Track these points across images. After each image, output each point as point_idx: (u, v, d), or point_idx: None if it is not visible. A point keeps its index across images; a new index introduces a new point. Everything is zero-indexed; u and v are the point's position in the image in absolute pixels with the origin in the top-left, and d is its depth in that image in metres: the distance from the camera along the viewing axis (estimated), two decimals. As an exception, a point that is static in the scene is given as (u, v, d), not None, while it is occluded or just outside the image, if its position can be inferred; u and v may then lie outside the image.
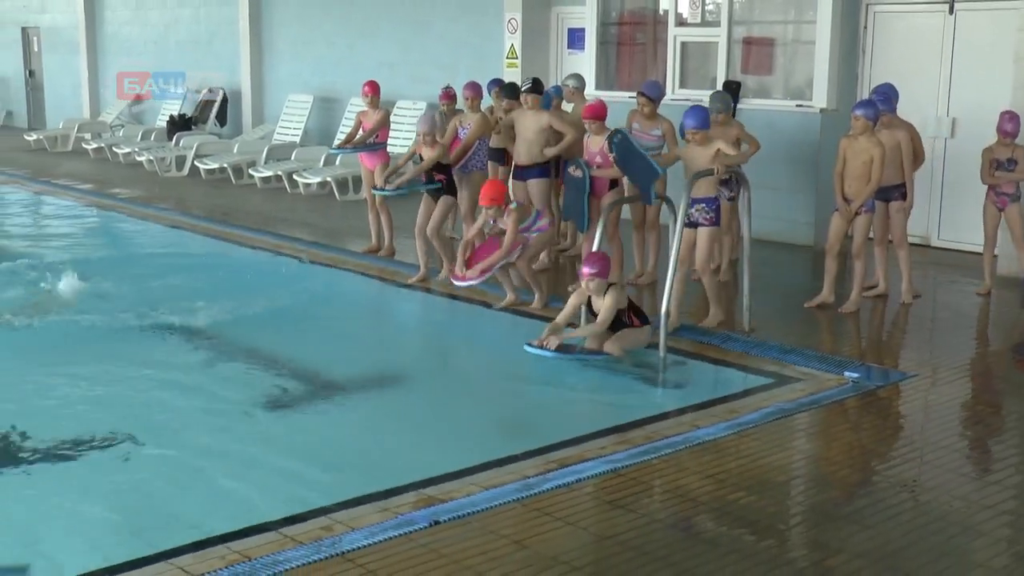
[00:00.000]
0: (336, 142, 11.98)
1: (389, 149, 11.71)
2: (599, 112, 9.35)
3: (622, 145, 8.46)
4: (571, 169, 9.25)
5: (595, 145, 9.23)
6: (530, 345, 7.60)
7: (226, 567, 4.58)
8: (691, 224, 8.26)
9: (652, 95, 9.81)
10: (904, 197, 9.17)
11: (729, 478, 5.66)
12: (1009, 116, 9.37)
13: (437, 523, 5.03)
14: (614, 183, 9.23)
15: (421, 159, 10.20)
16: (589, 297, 7.78)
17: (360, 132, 11.45)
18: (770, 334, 8.35)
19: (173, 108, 20.92)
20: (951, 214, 11.10)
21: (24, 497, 5.71)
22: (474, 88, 10.69)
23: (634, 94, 13.34)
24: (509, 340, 8.65)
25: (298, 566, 4.60)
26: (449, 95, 11.58)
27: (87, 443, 6.33)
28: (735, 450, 6.08)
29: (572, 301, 7.89)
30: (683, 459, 5.92)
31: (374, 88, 11.45)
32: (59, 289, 9.85)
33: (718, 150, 8.14)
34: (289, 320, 9.05)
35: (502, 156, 11.61)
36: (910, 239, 9.60)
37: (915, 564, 4.69)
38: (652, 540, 4.93)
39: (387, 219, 11.21)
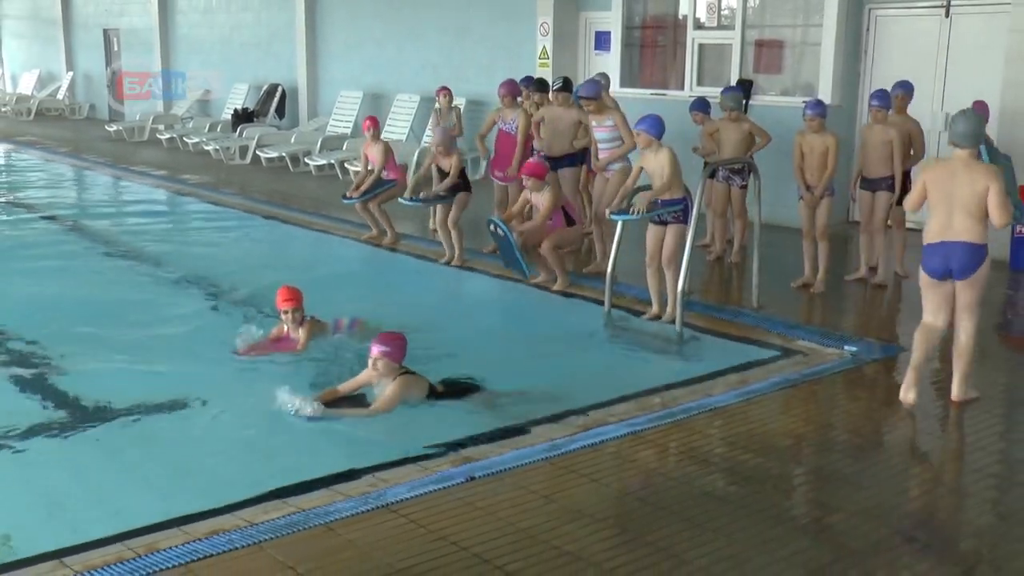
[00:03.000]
0: (350, 190, 11.62)
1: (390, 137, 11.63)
2: (535, 171, 9.13)
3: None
4: (491, 228, 9.23)
5: (535, 200, 9.16)
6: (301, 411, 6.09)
7: (283, 516, 4.63)
8: (661, 222, 8.11)
9: (588, 94, 9.50)
10: (891, 189, 9.02)
11: (738, 441, 5.65)
12: (976, 104, 9.26)
13: (473, 479, 5.06)
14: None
15: (439, 170, 10.21)
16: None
17: (367, 166, 11.27)
18: (777, 311, 8.31)
19: (237, 102, 21.01)
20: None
21: (101, 455, 5.77)
22: (508, 86, 10.56)
23: (656, 92, 13.42)
24: (539, 316, 8.68)
25: (347, 516, 4.64)
26: (445, 91, 11.61)
27: (153, 406, 6.37)
28: (744, 416, 6.06)
29: (360, 379, 6.43)
30: (697, 423, 5.92)
31: (374, 123, 11.30)
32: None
33: (672, 160, 7.97)
34: (346, 294, 9.09)
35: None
36: (907, 225, 9.54)
37: (907, 522, 4.67)
38: (668, 496, 4.93)
39: (382, 213, 11.17)
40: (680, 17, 13.45)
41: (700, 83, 12.97)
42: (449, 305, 9.24)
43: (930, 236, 6.10)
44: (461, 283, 9.87)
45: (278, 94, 20.26)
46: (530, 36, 15.10)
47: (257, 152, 17.83)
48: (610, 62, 13.86)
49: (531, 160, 9.63)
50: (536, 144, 10.64)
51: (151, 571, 4.13)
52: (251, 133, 18.60)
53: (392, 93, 17.73)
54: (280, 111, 20.23)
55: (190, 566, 4.17)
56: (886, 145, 8.87)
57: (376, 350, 6.27)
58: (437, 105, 12.09)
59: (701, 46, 13.10)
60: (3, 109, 28.08)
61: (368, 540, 4.43)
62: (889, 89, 9.30)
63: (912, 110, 9.62)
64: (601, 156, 9.47)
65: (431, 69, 16.76)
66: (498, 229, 9.02)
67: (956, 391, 6.29)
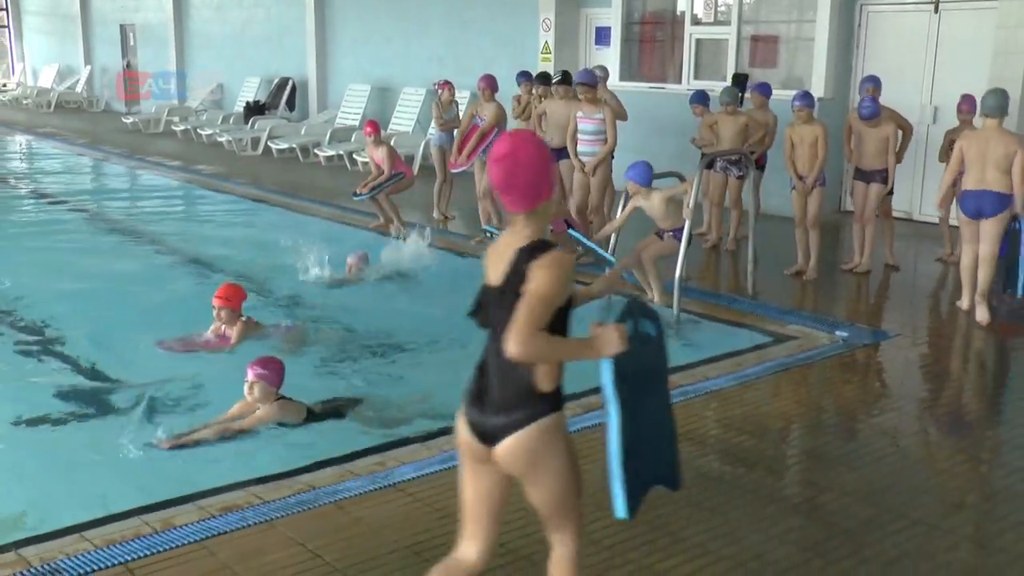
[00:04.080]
0: (360, 186, 11.50)
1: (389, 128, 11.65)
2: None
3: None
4: (488, 236, 9.19)
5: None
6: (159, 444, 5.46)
7: (294, 495, 4.64)
8: (660, 236, 8.06)
9: (588, 81, 9.47)
10: (885, 182, 9.00)
11: (734, 423, 5.65)
12: (964, 97, 9.26)
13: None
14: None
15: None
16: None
17: (375, 168, 11.30)
18: (771, 297, 8.31)
19: (249, 95, 20.98)
20: (932, 191, 10.93)
21: (121, 431, 5.76)
22: (487, 80, 10.57)
23: (655, 85, 13.41)
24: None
25: (356, 495, 4.64)
26: (448, 85, 11.62)
27: (163, 384, 6.34)
28: (739, 399, 6.06)
29: (235, 410, 5.77)
30: (694, 406, 5.92)
31: (374, 127, 11.26)
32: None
33: (664, 198, 7.89)
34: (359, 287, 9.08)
35: None
36: (896, 214, 9.54)
37: (896, 501, 4.67)
38: (665, 476, 4.93)
39: (391, 205, 11.14)
40: (678, 13, 13.43)
41: (697, 77, 12.95)
42: (452, 292, 9.20)
43: (967, 185, 7.60)
44: (464, 271, 9.84)
45: (288, 87, 20.23)
46: (533, 31, 15.06)
47: (268, 143, 17.81)
48: (610, 57, 13.83)
49: None
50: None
51: (168, 547, 4.15)
52: (263, 125, 18.59)
53: (399, 86, 17.70)
54: (291, 104, 20.20)
55: (205, 543, 4.18)
56: (883, 141, 8.86)
57: (252, 374, 5.69)
58: (438, 99, 12.03)
59: (698, 41, 13.08)
60: (25, 102, 28.06)
61: (376, 518, 4.43)
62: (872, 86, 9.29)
63: (902, 103, 9.61)
64: (583, 147, 9.42)
65: (437, 63, 16.72)
66: (493, 236, 9.01)
67: (978, 296, 7.73)
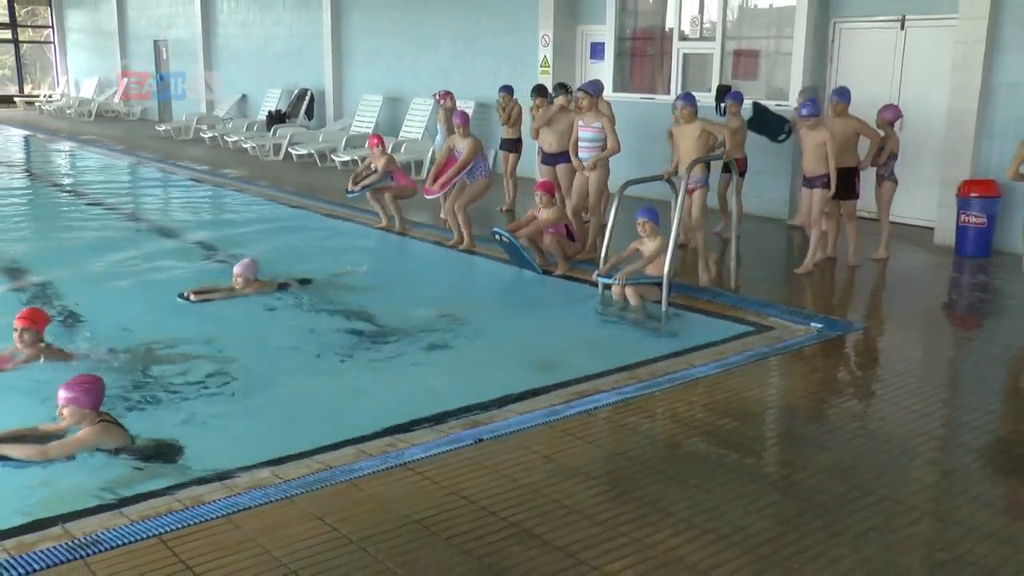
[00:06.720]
0: (350, 183, 11.20)
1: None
2: (549, 188, 9.16)
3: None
4: (496, 238, 9.14)
5: (541, 215, 9.03)
6: None
7: (312, 473, 4.64)
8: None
9: (590, 90, 9.43)
10: (826, 186, 8.78)
11: (717, 408, 5.65)
12: (887, 106, 9.35)
13: (481, 440, 5.06)
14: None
15: (374, 169, 10.87)
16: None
17: (371, 167, 11.18)
18: (751, 291, 8.30)
19: (271, 105, 20.97)
20: (898, 193, 10.90)
21: (150, 413, 5.77)
22: (462, 118, 10.22)
23: (645, 96, 13.38)
24: (540, 296, 8.66)
25: (369, 473, 4.65)
26: (448, 95, 11.57)
27: (203, 378, 6.31)
28: (722, 385, 6.06)
29: (48, 426, 5.10)
30: (680, 392, 5.92)
31: (379, 140, 11.19)
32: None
33: (661, 245, 7.89)
34: (363, 279, 9.09)
35: (514, 145, 11.49)
36: (861, 214, 9.55)
37: (864, 479, 4.68)
38: (654, 456, 4.94)
39: (396, 206, 11.05)
40: (667, 30, 13.40)
41: (684, 88, 12.93)
42: (456, 286, 9.22)
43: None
44: (469, 266, 9.85)
45: (307, 97, 20.22)
46: (532, 46, 15.04)
47: (289, 149, 17.81)
48: (604, 70, 13.82)
49: (543, 180, 9.67)
50: (539, 143, 10.61)
51: (198, 521, 4.16)
52: (283, 132, 18.59)
53: (409, 97, 17.69)
54: (309, 113, 20.18)
55: (231, 517, 4.19)
56: (820, 147, 8.72)
57: (61, 397, 4.96)
58: (443, 108, 12.00)
59: (685, 55, 13.06)
60: (68, 111, 28.05)
61: (388, 494, 4.44)
62: (828, 95, 9.35)
63: (871, 112, 9.55)
64: (582, 154, 9.38)
65: (443, 75, 16.70)
66: (503, 238, 8.98)
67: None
